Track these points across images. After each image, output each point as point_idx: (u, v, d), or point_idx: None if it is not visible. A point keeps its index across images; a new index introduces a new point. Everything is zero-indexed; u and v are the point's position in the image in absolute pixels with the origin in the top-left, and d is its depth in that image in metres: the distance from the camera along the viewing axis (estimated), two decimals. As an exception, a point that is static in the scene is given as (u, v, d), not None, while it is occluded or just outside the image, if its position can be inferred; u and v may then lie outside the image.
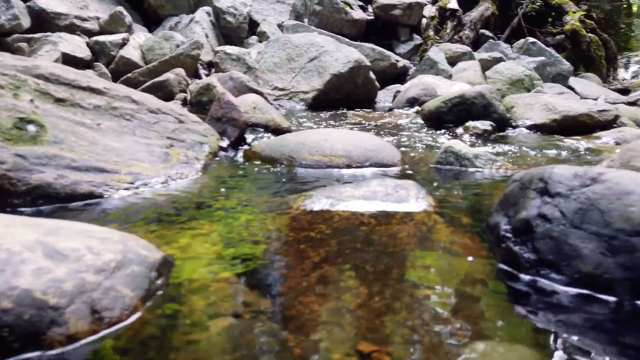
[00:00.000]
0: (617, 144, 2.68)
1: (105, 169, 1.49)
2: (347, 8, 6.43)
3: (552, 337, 0.77)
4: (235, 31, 6.10)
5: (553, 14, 9.04)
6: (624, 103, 5.67)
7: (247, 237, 1.17)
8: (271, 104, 4.10)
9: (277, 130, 2.67)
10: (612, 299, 0.85)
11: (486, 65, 5.88)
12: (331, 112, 4.17)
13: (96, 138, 1.61)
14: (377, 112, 4.14)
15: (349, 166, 1.86)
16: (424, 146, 2.51)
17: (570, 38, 8.26)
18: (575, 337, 0.77)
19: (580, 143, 2.74)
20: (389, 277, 0.98)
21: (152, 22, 6.49)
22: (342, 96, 4.77)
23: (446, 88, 4.58)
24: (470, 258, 1.06)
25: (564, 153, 2.41)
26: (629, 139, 2.70)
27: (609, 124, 3.24)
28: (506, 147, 2.53)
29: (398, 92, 4.77)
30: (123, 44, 5.07)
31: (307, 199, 1.39)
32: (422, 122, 3.38)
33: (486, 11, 7.71)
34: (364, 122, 3.51)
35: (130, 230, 1.14)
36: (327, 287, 0.94)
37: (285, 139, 2.05)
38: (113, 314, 0.74)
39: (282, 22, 6.40)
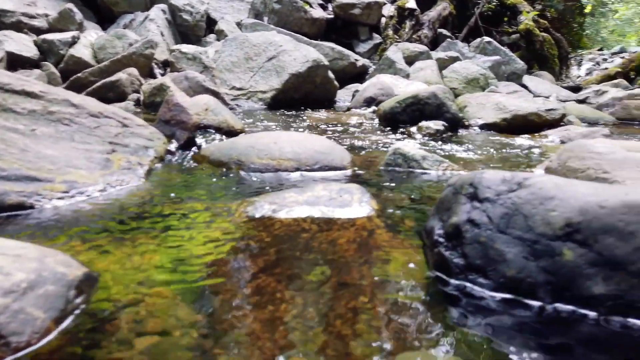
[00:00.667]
0: (562, 142, 2.78)
1: (37, 178, 1.42)
2: (307, 7, 6.41)
3: (476, 343, 0.78)
4: (192, 29, 5.98)
5: (508, 13, 9.31)
6: (574, 101, 5.89)
7: (184, 248, 1.14)
8: (228, 104, 4.05)
9: (230, 132, 2.63)
10: (535, 302, 0.87)
11: (443, 64, 6.00)
12: (289, 112, 4.15)
13: (29, 145, 1.53)
14: (335, 112, 4.14)
15: (297, 169, 1.85)
16: (377, 147, 2.53)
17: (524, 37, 8.53)
18: (498, 343, 0.78)
19: (528, 142, 2.83)
20: (324, 287, 0.97)
21: (106, 19, 6.28)
22: (301, 96, 4.76)
23: (403, 87, 4.63)
24: (405, 264, 1.07)
25: (511, 152, 2.47)
26: (573, 137, 2.80)
27: (557, 122, 3.36)
28: (456, 147, 2.58)
29: (357, 91, 4.79)
30: (73, 42, 4.88)
31: (250, 206, 1.37)
32: (378, 122, 3.41)
33: (444, 11, 7.86)
34: (320, 122, 3.51)
35: (56, 244, 1.09)
36: (262, 299, 0.93)
37: (234, 142, 2.02)
38: (21, 338, 0.70)
39: (241, 21, 6.32)
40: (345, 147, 2.49)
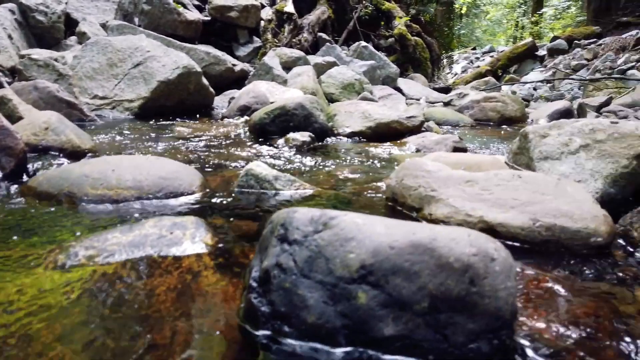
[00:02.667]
0: (418, 150, 2.95)
1: None
2: (180, 8, 6.13)
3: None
4: (48, 31, 5.41)
5: (384, 18, 9.81)
6: (442, 102, 6.35)
7: (-38, 317, 0.97)
8: (87, 116, 3.71)
9: (76, 154, 2.40)
10: (336, 349, 0.87)
11: (321, 69, 6.12)
12: (159, 123, 3.92)
13: None
14: (208, 122, 4.00)
15: (139, 199, 1.72)
16: (240, 163, 2.46)
17: (398, 41, 9.05)
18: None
19: (388, 150, 2.97)
20: (128, 354, 0.88)
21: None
22: (175, 103, 4.54)
23: (280, 94, 4.63)
24: (224, 315, 1.02)
25: (369, 163, 2.57)
26: (427, 145, 2.99)
27: (417, 128, 3.58)
28: (320, 159, 2.61)
29: (233, 98, 4.69)
30: None
31: (62, 253, 1.22)
32: (249, 133, 3.36)
33: (323, 15, 8.03)
34: (189, 134, 3.35)
35: None
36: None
37: (66, 170, 1.82)
38: None
39: (107, 22, 5.85)
40: (207, 164, 2.39)
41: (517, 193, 1.46)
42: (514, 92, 13.56)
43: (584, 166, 1.66)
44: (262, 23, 6.91)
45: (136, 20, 6.21)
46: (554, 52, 15.44)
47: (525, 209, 1.41)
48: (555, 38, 16.09)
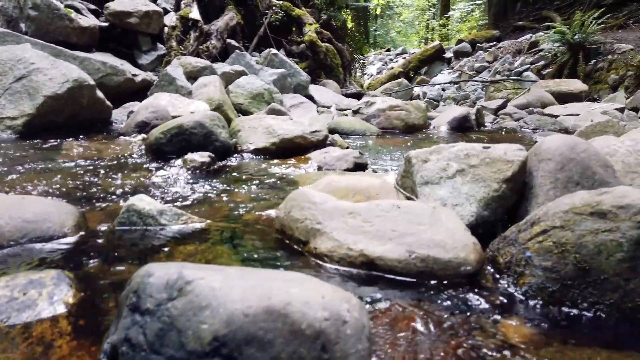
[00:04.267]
0: (319, 167, 2.97)
1: None
2: (73, 14, 5.69)
3: None
4: None
5: (295, 24, 9.84)
6: (352, 110, 6.45)
7: None
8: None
9: None
10: None
11: (229, 78, 5.99)
12: (47, 143, 3.60)
13: None
14: (102, 140, 3.74)
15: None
16: (128, 192, 2.31)
17: (309, 48, 9.13)
18: None
19: (290, 169, 2.95)
20: None
21: None
22: (67, 119, 4.19)
23: (183, 107, 4.45)
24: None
25: (269, 186, 2.53)
26: (329, 162, 3.02)
27: (321, 143, 3.61)
28: (218, 183, 2.53)
29: (132, 112, 4.43)
30: None
31: None
32: (146, 154, 3.18)
33: (231, 20, 7.87)
34: (78, 156, 3.10)
35: None
36: None
37: None
38: None
39: (-15, 28, 5.26)
40: (91, 196, 2.21)
41: (395, 224, 1.50)
42: (425, 93, 14.28)
43: (460, 190, 1.75)
44: (166, 29, 6.62)
45: (22, 26, 5.67)
46: (459, 55, 16.48)
47: (402, 241, 1.44)
48: (460, 41, 17.17)
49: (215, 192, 2.36)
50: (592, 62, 9.52)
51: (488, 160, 1.76)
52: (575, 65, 9.85)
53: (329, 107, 6.76)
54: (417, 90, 14.31)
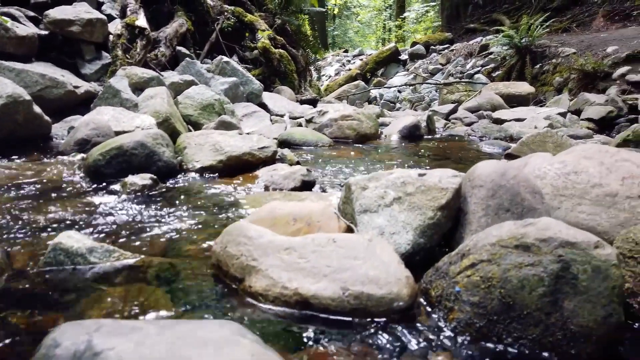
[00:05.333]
0: (266, 187, 2.93)
1: None
2: (9, 23, 5.39)
3: None
4: None
5: (248, 30, 9.73)
6: (305, 120, 6.42)
7: None
8: None
9: None
10: None
11: (179, 88, 5.85)
12: (-25, 166, 3.37)
13: None
14: (36, 161, 3.55)
15: None
16: (60, 224, 2.20)
17: (263, 55, 9.05)
18: None
19: (236, 189, 2.90)
20: None
21: None
22: (2, 136, 3.96)
23: (128, 122, 4.29)
24: None
25: (210, 210, 2.47)
26: (276, 181, 2.99)
27: (270, 159, 3.57)
28: (158, 209, 2.45)
29: (72, 128, 4.24)
30: None
31: None
32: (85, 176, 3.04)
33: (181, 27, 7.69)
34: (8, 180, 2.92)
35: None
36: None
37: None
38: None
39: None
40: (18, 230, 2.08)
41: (330, 259, 1.49)
42: (381, 95, 14.45)
43: (397, 218, 1.76)
44: (111, 37, 6.38)
45: (-49, 34, 5.32)
46: (414, 57, 16.82)
47: (336, 277, 1.44)
48: (414, 43, 17.52)
49: (153, 220, 2.28)
50: (538, 65, 9.93)
51: (423, 188, 1.79)
52: (522, 68, 10.25)
53: (282, 116, 6.71)
54: (374, 92, 14.49)
